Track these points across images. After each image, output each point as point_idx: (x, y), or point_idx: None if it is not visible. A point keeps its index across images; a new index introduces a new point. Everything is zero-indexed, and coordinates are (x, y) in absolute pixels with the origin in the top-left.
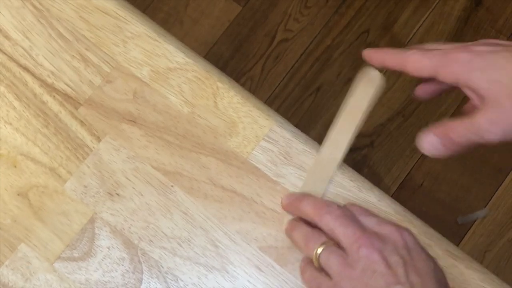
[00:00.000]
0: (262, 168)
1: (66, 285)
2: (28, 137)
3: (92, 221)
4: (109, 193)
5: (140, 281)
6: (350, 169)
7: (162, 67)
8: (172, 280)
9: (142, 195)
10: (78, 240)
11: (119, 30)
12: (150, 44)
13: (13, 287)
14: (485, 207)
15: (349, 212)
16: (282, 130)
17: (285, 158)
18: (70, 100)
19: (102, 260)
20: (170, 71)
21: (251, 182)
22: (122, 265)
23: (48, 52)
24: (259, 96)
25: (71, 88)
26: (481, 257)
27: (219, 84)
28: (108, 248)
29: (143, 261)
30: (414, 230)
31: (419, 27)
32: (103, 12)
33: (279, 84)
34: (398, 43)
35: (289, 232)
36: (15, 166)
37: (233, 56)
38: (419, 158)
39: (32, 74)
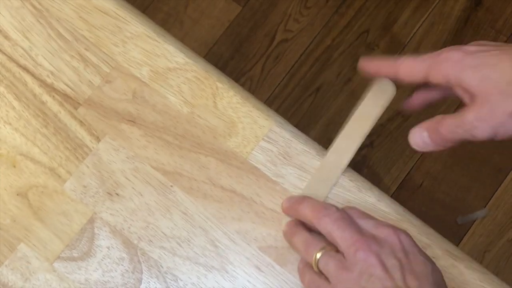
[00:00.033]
0: (262, 168)
1: (65, 285)
2: (27, 137)
3: (91, 221)
4: (109, 193)
5: (140, 281)
6: (350, 169)
7: (162, 67)
8: (171, 280)
9: (141, 195)
10: (78, 240)
11: (118, 30)
12: (150, 44)
13: (12, 287)
14: (485, 207)
15: (347, 215)
16: (282, 130)
17: (284, 158)
18: (69, 100)
19: (102, 260)
20: (170, 71)
21: (250, 182)
22: (122, 265)
23: (47, 52)
24: (258, 96)
25: (70, 88)
26: (480, 257)
27: (219, 84)
28: (108, 248)
29: (143, 261)
30: (413, 230)
31: (419, 27)
32: (102, 12)
33: (279, 84)
34: (398, 43)
35: (288, 238)
36: (14, 166)
37: (233, 56)
38: (418, 158)
39: (32, 74)
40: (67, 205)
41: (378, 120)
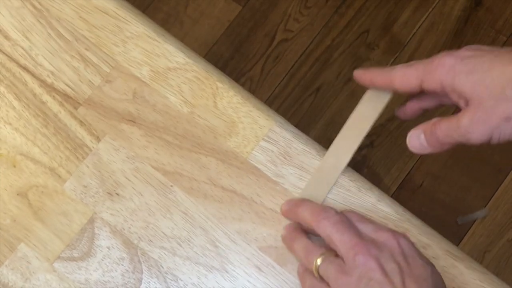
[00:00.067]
0: (262, 168)
1: (65, 285)
2: (27, 137)
3: (91, 221)
4: (109, 193)
5: (140, 281)
6: (350, 169)
7: (162, 67)
8: (171, 280)
9: (141, 195)
10: (78, 240)
11: (118, 30)
12: (150, 44)
13: (12, 287)
14: (485, 207)
15: (346, 218)
16: (282, 130)
17: (284, 158)
18: (69, 100)
19: (102, 260)
20: (170, 71)
21: (251, 182)
22: (122, 265)
23: (47, 52)
24: (259, 96)
25: (70, 88)
26: (481, 257)
27: (219, 84)
28: (108, 248)
29: (143, 261)
30: (413, 230)
31: (419, 27)
32: (102, 12)
33: (279, 84)
34: (398, 43)
35: (288, 243)
36: (14, 166)
37: (233, 56)
38: (418, 159)
39: (32, 74)
40: (67, 205)
41: (378, 120)
